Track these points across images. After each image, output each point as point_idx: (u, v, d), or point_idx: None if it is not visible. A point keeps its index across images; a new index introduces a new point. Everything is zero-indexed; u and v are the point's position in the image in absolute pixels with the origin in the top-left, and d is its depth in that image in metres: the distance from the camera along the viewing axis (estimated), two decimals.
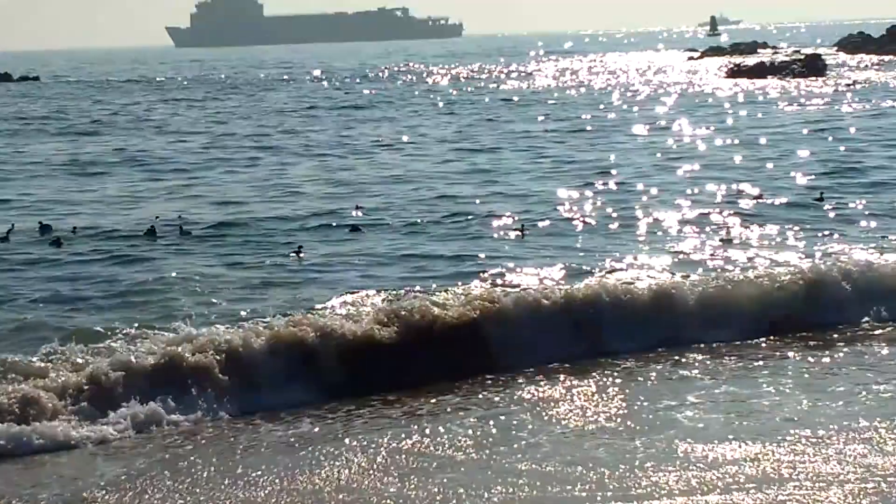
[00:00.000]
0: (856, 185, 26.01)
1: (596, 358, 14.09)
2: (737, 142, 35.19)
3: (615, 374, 13.47)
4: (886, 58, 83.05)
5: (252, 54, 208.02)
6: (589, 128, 41.88)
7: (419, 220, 22.47)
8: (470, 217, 22.59)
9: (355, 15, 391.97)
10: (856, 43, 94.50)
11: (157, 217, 22.72)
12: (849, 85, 58.86)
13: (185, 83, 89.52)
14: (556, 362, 13.94)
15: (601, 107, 52.57)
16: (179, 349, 13.11)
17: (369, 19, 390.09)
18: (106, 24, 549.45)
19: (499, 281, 16.80)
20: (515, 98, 60.23)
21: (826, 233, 20.28)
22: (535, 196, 25.28)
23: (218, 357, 13.01)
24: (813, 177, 27.16)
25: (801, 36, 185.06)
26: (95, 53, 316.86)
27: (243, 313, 15.18)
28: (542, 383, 13.16)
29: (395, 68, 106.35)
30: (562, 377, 13.38)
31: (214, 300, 16.23)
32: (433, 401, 12.67)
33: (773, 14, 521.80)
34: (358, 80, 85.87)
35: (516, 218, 21.99)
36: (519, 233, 20.96)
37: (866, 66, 78.52)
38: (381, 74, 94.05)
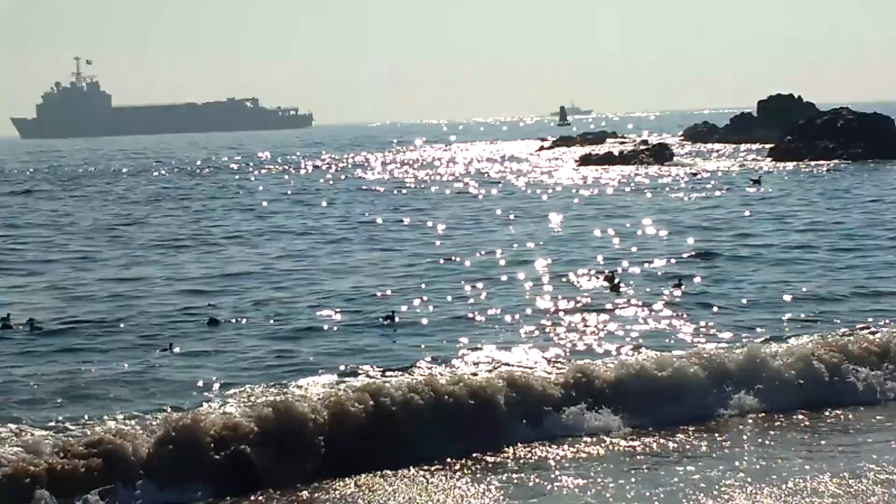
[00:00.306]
0: (706, 269, 26.40)
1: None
2: (587, 229, 35.59)
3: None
4: (730, 146, 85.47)
5: (99, 145, 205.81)
6: (438, 221, 41.63)
7: (281, 314, 22.11)
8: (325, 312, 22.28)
9: (205, 106, 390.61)
10: (702, 132, 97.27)
11: (7, 315, 21.91)
12: (693, 174, 60.17)
13: (28, 174, 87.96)
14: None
15: (447, 194, 52.86)
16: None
17: (219, 110, 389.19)
18: None
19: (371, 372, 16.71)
20: (364, 188, 60.34)
21: (686, 317, 20.57)
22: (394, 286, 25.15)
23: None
24: (666, 262, 27.49)
25: (651, 125, 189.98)
26: None
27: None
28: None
29: (241, 158, 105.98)
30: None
31: (62, 400, 15.74)
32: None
33: (623, 104, 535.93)
34: (206, 170, 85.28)
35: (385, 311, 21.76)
36: (388, 321, 20.95)
37: (711, 154, 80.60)
38: (231, 165, 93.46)
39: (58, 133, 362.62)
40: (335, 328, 20.60)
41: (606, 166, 69.50)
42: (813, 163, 63.21)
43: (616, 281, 24.14)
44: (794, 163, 64.31)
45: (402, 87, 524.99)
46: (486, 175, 68.88)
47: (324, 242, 34.60)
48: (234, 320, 21.42)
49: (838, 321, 19.94)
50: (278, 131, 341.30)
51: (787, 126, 72.34)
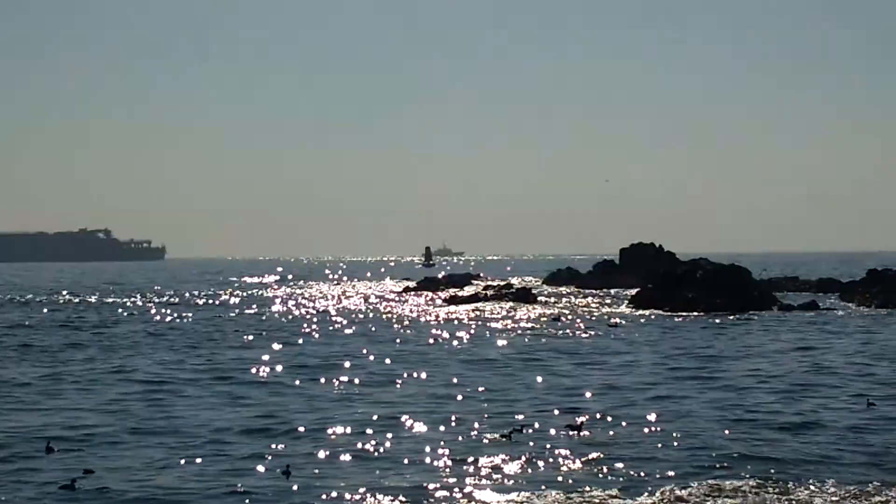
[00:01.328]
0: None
1: None
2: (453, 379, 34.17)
3: None
4: (591, 290, 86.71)
5: None
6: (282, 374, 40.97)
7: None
8: None
9: (56, 235, 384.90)
10: (564, 276, 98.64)
11: None
12: (555, 319, 60.36)
13: None
14: None
15: (301, 341, 52.01)
16: None
17: (71, 240, 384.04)
18: None
19: None
20: (220, 328, 59.28)
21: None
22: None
23: None
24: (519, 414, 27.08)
25: (521, 268, 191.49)
26: None
27: None
28: None
29: (94, 296, 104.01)
30: None
31: None
32: None
33: (493, 247, 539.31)
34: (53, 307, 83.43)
35: None
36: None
37: (574, 297, 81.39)
38: (70, 299, 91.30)
39: None
40: None
41: (470, 307, 69.90)
42: (670, 313, 63.58)
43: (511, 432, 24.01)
44: (651, 311, 65.06)
45: (260, 223, 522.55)
46: (352, 315, 68.67)
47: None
48: None
49: None
50: (129, 263, 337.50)
51: (648, 274, 73.65)
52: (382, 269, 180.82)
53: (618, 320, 58.13)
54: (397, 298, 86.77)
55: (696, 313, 63.10)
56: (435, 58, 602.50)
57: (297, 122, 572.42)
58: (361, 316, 65.54)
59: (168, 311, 70.50)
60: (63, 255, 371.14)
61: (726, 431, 24.23)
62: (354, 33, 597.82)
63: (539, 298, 78.01)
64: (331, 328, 55.68)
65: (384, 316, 65.21)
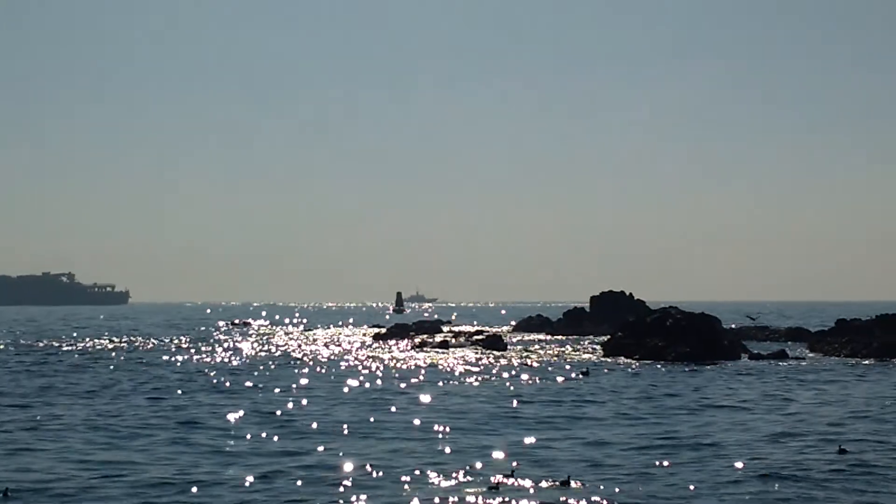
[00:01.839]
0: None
1: None
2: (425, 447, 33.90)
3: None
4: (560, 337, 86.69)
5: None
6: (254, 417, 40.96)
7: None
8: None
9: (19, 278, 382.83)
10: (535, 323, 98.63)
11: None
12: (525, 365, 60.19)
13: None
14: None
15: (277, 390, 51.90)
16: None
17: (34, 283, 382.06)
18: None
19: None
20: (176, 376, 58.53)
21: None
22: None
23: None
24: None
25: (490, 315, 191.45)
26: None
27: None
28: None
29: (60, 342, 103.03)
30: None
31: None
32: None
33: (469, 294, 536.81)
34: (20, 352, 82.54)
35: None
36: None
37: (544, 344, 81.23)
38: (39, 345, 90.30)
39: None
40: None
41: (440, 353, 69.62)
42: (639, 361, 63.54)
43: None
44: (623, 358, 65.04)
45: (228, 267, 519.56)
46: (309, 361, 68.17)
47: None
48: None
49: None
50: (92, 307, 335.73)
51: (618, 322, 73.72)
52: (350, 318, 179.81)
53: (588, 366, 58.07)
54: (363, 345, 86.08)
55: (662, 362, 63.03)
56: (410, 105, 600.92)
57: (263, 166, 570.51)
58: (322, 360, 64.91)
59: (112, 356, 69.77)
60: (26, 299, 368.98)
61: None
62: (333, 86, 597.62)
63: (509, 344, 77.89)
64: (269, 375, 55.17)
65: (343, 363, 64.15)
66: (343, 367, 59.68)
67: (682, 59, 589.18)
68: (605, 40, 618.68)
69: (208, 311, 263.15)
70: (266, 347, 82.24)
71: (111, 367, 59.82)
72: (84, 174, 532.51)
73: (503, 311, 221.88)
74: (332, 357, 69.46)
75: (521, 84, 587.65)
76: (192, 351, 76.02)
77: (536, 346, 79.64)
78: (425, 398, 42.00)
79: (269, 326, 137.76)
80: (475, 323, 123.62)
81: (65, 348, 79.09)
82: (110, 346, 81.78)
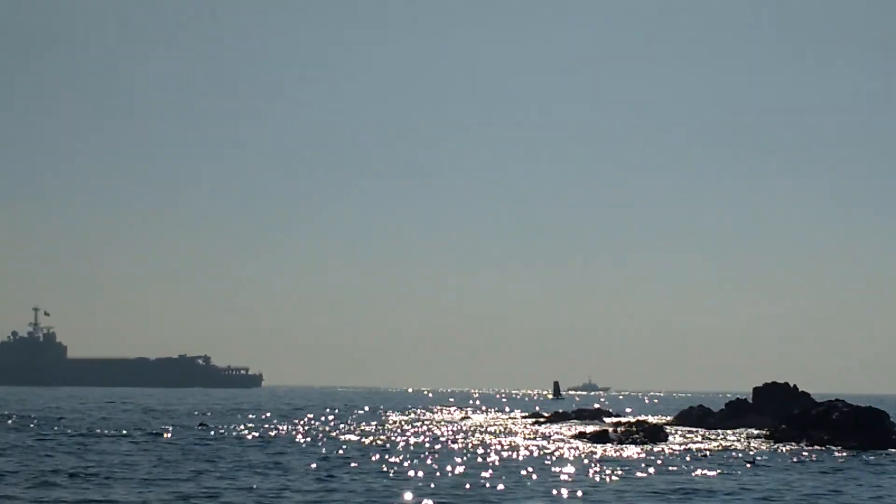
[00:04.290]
0: None
1: None
2: None
3: None
4: (721, 431, 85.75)
5: (53, 395, 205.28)
6: None
7: None
8: None
9: (157, 361, 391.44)
10: (696, 414, 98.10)
11: None
12: (698, 453, 60.38)
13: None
14: None
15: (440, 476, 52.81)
16: None
17: (170, 366, 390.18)
18: None
19: None
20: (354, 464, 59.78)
21: None
22: None
23: None
24: None
25: (654, 406, 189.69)
26: None
27: None
28: None
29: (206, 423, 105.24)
30: None
31: None
32: None
33: (638, 383, 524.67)
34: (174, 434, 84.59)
35: None
36: None
37: (705, 436, 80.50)
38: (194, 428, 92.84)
39: (12, 381, 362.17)
40: None
41: (599, 444, 69.93)
42: (809, 448, 63.56)
43: None
44: (792, 445, 64.98)
45: (370, 353, 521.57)
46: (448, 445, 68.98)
47: None
48: None
49: None
50: (227, 390, 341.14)
51: (781, 414, 73.55)
52: (506, 405, 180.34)
53: (755, 455, 58.23)
54: (519, 430, 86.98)
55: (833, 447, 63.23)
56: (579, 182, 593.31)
57: (411, 244, 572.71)
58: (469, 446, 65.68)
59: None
60: (162, 381, 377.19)
61: None
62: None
63: (669, 435, 77.83)
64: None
65: (494, 447, 65.10)
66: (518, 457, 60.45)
67: None
68: None
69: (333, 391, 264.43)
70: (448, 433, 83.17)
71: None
72: (221, 262, 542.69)
73: (655, 400, 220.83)
74: (505, 446, 70.26)
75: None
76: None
77: (698, 438, 79.36)
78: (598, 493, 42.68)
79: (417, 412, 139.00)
80: (636, 412, 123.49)
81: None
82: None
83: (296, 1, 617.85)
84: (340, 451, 60.76)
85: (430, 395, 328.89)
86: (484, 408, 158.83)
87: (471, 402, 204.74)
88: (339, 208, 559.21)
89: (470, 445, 68.63)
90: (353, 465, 52.09)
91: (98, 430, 77.68)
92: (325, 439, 72.47)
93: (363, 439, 73.49)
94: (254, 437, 73.95)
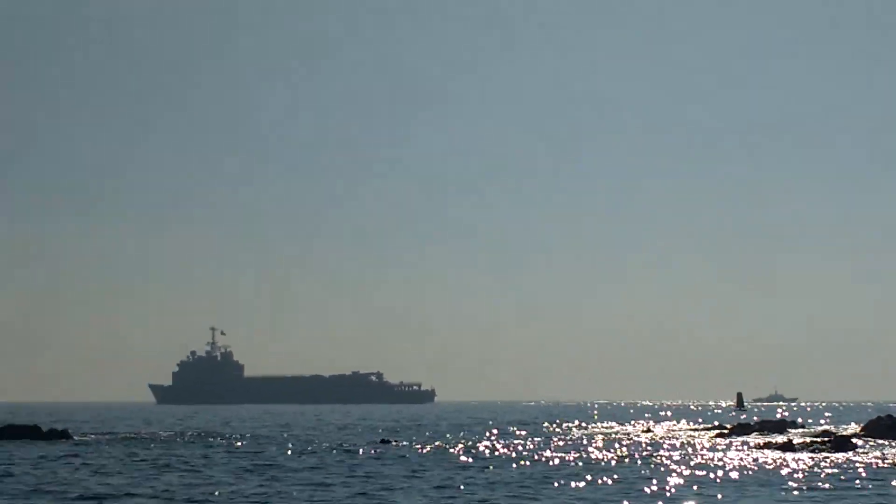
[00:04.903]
0: None
1: None
2: None
3: None
4: None
5: (231, 412, 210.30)
6: None
7: None
8: None
9: (331, 378, 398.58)
10: (886, 425, 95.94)
11: None
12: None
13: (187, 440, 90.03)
14: None
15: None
16: None
17: (344, 383, 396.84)
18: (87, 378, 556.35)
19: None
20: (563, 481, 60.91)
21: None
22: None
23: None
24: None
25: (840, 416, 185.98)
26: (75, 407, 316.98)
27: None
28: None
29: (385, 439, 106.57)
30: None
31: None
32: None
33: (832, 393, 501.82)
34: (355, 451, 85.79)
35: None
36: None
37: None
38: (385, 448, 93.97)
39: (191, 400, 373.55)
40: None
41: (786, 455, 69.51)
42: None
43: None
44: None
45: (545, 364, 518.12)
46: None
47: None
48: None
49: None
50: (399, 406, 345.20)
51: None
52: (683, 416, 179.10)
53: None
54: (703, 442, 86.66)
55: None
56: None
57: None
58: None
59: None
60: (336, 397, 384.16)
61: None
62: None
63: (857, 447, 76.90)
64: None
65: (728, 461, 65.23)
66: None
67: None
68: None
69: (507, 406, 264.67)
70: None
71: None
72: (392, 279, 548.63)
73: (843, 409, 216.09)
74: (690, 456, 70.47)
75: None
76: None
77: (892, 450, 77.95)
78: None
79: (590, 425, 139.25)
80: (823, 423, 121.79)
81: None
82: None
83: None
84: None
85: (608, 406, 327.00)
86: (668, 420, 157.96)
87: (648, 414, 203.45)
88: (513, 222, 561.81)
89: (668, 459, 68.91)
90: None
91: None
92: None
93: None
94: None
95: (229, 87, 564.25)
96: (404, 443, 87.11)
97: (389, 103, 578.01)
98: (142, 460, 66.26)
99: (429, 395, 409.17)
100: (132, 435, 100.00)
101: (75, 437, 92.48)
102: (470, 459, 67.66)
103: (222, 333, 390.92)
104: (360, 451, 75.87)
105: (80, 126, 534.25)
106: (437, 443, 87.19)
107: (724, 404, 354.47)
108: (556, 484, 51.58)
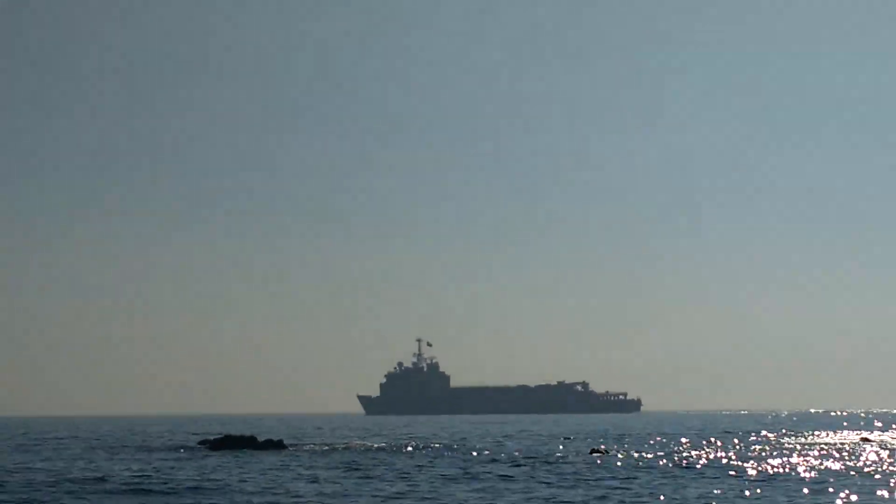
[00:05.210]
0: None
1: None
2: None
3: None
4: None
5: (438, 423, 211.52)
6: None
7: None
8: None
9: (537, 388, 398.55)
10: None
11: None
12: None
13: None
14: None
15: None
16: None
17: (550, 392, 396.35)
18: (298, 390, 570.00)
19: None
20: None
21: None
22: None
23: None
24: None
25: None
26: (290, 419, 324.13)
27: None
28: None
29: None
30: None
31: None
32: None
33: None
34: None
35: None
36: None
37: None
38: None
39: (399, 410, 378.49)
40: None
41: None
42: None
43: None
44: None
45: (752, 371, 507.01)
46: None
47: None
48: None
49: None
50: (603, 415, 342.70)
51: None
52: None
53: None
54: None
55: None
56: None
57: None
58: None
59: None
60: (540, 407, 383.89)
61: None
62: None
63: None
64: None
65: None
66: None
67: None
68: None
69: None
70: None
71: None
72: (599, 286, 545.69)
73: None
74: None
75: None
76: None
77: None
78: None
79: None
80: None
81: None
82: None
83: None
84: None
85: (798, 415, 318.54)
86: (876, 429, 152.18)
87: (846, 423, 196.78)
88: (736, 228, 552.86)
89: None
90: None
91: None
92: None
93: None
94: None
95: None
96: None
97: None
98: (354, 469, 66.42)
99: (635, 405, 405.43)
100: (344, 445, 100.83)
101: (290, 447, 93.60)
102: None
103: (429, 344, 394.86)
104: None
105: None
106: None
107: None
108: None
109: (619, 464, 70.00)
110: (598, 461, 72.92)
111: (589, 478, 58.78)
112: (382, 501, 47.35)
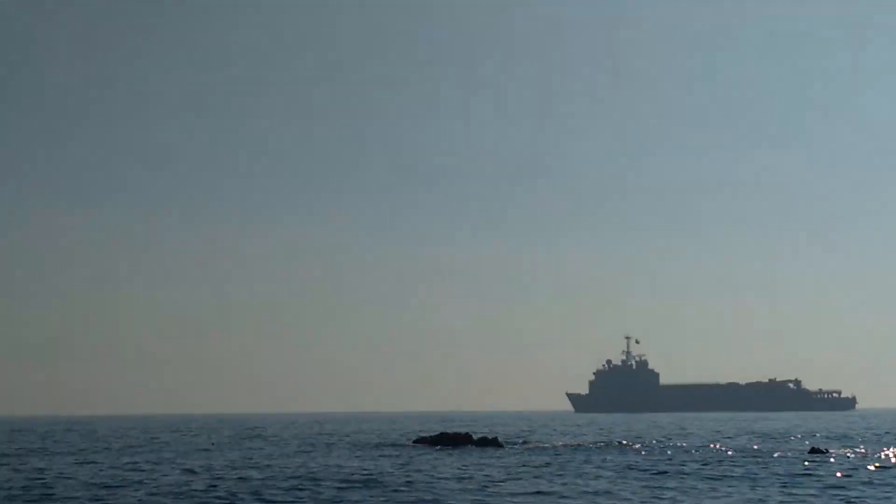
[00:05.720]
0: None
1: None
2: None
3: None
4: None
5: (649, 420, 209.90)
6: None
7: None
8: None
9: (747, 386, 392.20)
10: None
11: None
12: None
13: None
14: None
15: None
16: None
17: (760, 390, 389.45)
18: (509, 388, 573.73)
19: None
20: None
21: None
22: None
23: None
24: None
25: None
26: (501, 417, 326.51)
27: None
28: None
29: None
30: None
31: None
32: None
33: None
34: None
35: None
36: None
37: None
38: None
39: (607, 408, 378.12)
40: None
41: None
42: None
43: None
44: None
45: None
46: None
47: None
48: None
49: None
50: (815, 413, 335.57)
51: None
52: None
53: None
54: None
55: None
56: None
57: None
58: None
59: None
60: (751, 405, 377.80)
61: None
62: None
63: None
64: None
65: None
66: None
67: None
68: None
69: None
70: None
71: None
72: (806, 281, 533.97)
73: None
74: None
75: None
76: None
77: None
78: None
79: None
80: None
81: None
82: None
83: None
84: None
85: None
86: None
87: None
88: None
89: None
90: None
91: None
92: None
93: None
94: None
95: None
96: None
97: None
98: (567, 465, 67.13)
99: (850, 403, 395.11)
100: (557, 443, 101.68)
101: (506, 446, 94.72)
102: None
103: (637, 342, 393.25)
104: None
105: None
106: None
107: None
108: None
109: None
110: None
111: None
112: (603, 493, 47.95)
